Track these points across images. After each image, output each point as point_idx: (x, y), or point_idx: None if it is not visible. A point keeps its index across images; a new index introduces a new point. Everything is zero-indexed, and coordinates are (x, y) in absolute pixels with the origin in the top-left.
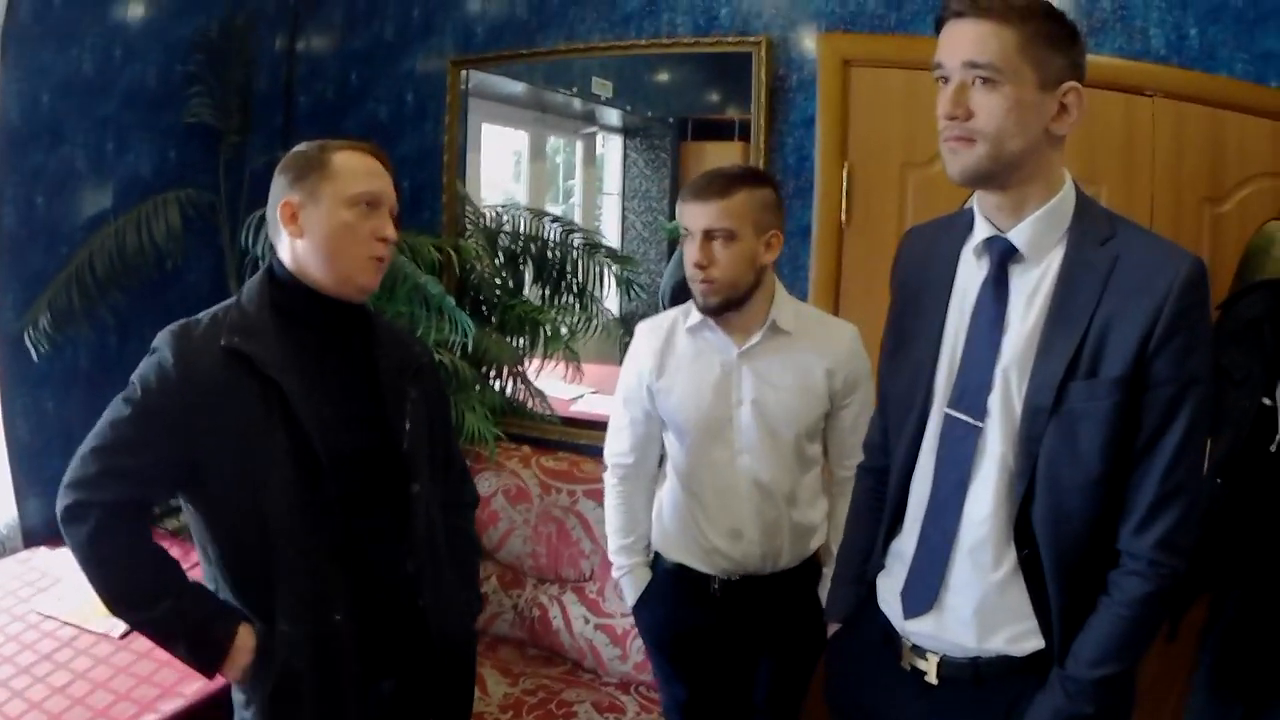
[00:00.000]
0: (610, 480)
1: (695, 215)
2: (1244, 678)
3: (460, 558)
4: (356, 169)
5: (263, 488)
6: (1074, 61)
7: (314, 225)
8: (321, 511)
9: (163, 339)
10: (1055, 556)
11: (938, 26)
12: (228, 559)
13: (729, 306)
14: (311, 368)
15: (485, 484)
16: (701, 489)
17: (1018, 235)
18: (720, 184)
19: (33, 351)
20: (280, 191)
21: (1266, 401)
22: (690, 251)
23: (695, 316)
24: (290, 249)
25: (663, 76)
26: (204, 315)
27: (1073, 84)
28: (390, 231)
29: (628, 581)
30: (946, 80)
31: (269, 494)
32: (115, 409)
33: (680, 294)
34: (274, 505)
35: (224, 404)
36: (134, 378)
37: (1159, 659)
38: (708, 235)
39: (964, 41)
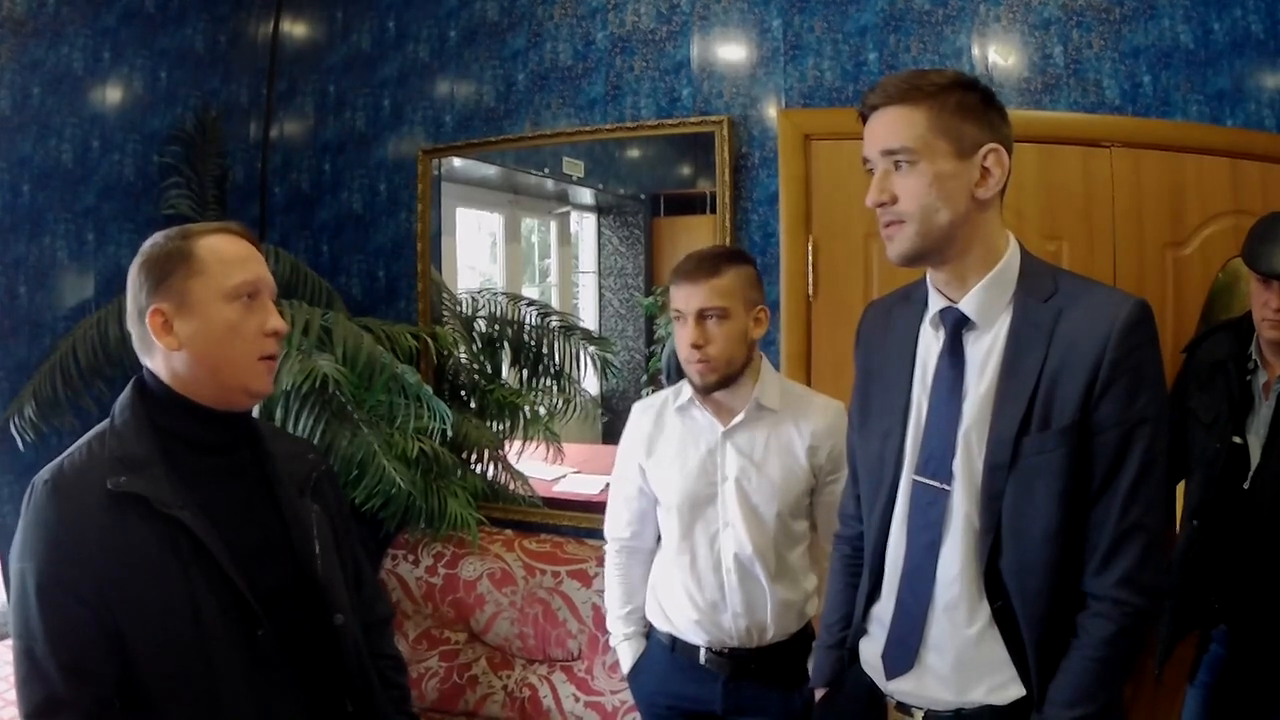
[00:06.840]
0: (609, 553)
1: (688, 297)
2: (1233, 712)
3: (390, 682)
4: (227, 256)
5: (198, 637)
6: (990, 124)
7: (192, 334)
8: (267, 651)
9: (39, 496)
10: (1026, 606)
11: (863, 124)
12: None
13: (725, 383)
14: (209, 496)
15: (470, 569)
16: (687, 562)
17: (967, 304)
18: (709, 264)
19: (18, 440)
20: (144, 298)
21: (1237, 440)
22: (685, 333)
23: (684, 396)
24: (166, 362)
25: (633, 153)
26: (77, 451)
27: (991, 145)
28: (279, 323)
29: (624, 649)
30: (874, 172)
31: (206, 638)
32: (20, 605)
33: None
34: (217, 647)
35: (124, 557)
36: (15, 557)
37: (1148, 696)
38: (701, 315)
39: (879, 132)
